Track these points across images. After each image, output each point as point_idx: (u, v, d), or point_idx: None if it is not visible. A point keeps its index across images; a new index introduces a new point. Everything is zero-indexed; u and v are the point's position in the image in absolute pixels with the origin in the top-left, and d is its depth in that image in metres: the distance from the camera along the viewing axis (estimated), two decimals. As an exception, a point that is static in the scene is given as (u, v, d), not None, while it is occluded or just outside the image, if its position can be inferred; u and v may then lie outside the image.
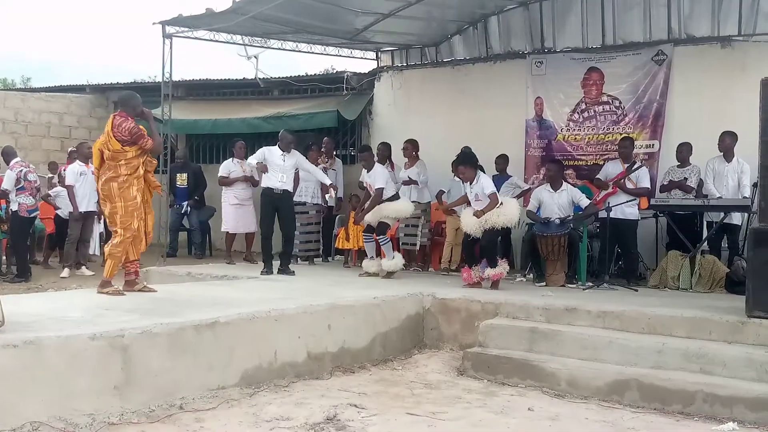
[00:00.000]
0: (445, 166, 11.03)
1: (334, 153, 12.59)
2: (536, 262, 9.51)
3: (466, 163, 8.96)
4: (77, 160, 11.94)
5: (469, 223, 8.83)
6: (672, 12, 11.02)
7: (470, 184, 8.93)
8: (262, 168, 9.58)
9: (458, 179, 10.64)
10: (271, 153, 9.66)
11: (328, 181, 9.87)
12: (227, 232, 11.62)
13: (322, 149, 11.84)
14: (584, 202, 9.47)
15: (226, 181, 11.61)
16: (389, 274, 9.54)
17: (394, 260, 9.64)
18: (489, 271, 8.63)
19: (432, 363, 7.12)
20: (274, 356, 6.22)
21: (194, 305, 6.54)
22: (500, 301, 7.60)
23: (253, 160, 9.75)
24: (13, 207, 11.22)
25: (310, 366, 6.50)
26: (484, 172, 9.06)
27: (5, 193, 11.20)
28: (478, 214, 8.68)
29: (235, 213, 11.48)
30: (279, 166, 9.56)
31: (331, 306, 6.97)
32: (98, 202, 11.74)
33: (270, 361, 6.18)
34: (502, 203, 8.78)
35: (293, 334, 6.44)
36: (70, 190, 11.67)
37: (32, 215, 11.37)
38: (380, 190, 9.63)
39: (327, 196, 10.76)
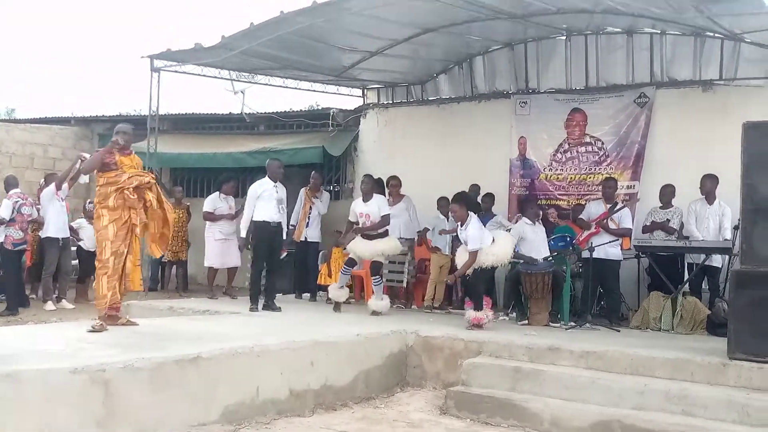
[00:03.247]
0: (429, 204, 11.11)
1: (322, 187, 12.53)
2: (519, 301, 9.52)
3: (458, 201, 8.84)
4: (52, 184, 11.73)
5: (461, 261, 8.78)
6: (654, 55, 11.19)
7: (461, 225, 8.76)
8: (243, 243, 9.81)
9: (442, 217, 10.71)
10: (262, 186, 9.61)
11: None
12: (210, 267, 11.55)
13: (310, 182, 11.81)
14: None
15: (212, 217, 11.52)
16: (375, 313, 9.52)
17: (384, 302, 9.64)
18: (470, 313, 8.51)
19: (415, 401, 7.09)
20: (257, 392, 6.17)
21: (177, 340, 6.50)
22: (483, 339, 7.60)
23: (248, 210, 9.58)
24: (0, 239, 11.14)
25: (292, 403, 6.45)
26: (476, 214, 8.94)
27: (2, 221, 11.09)
28: (458, 275, 8.82)
29: (219, 248, 11.40)
30: (273, 197, 9.52)
31: (314, 342, 6.94)
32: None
33: (252, 397, 6.13)
34: (493, 241, 8.70)
35: (276, 371, 6.40)
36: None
37: (17, 248, 11.23)
38: (388, 216, 9.64)
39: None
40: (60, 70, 52.98)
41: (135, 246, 7.26)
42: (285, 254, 10.46)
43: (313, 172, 12.08)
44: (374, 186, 10.13)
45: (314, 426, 6.07)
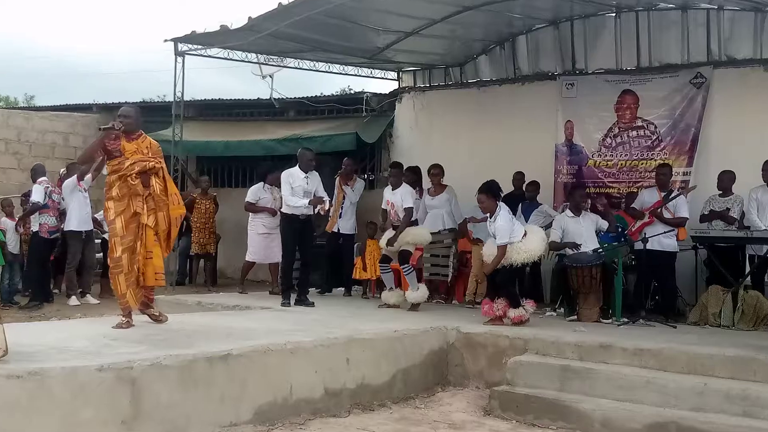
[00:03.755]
0: (468, 193, 11.02)
1: (356, 175, 12.29)
2: (567, 295, 9.44)
3: (485, 191, 8.69)
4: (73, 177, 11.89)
5: (489, 255, 8.66)
6: (711, 32, 11.03)
7: (490, 216, 8.65)
8: (317, 201, 9.55)
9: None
10: (292, 176, 9.64)
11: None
12: (247, 261, 11.48)
13: (342, 168, 11.65)
14: (604, 225, 9.46)
15: (253, 208, 11.28)
16: (414, 307, 9.52)
17: (419, 292, 9.62)
18: (511, 312, 8.38)
19: (456, 401, 7.08)
20: (290, 391, 6.20)
21: (206, 336, 6.56)
22: (529, 336, 7.56)
23: (293, 198, 9.53)
24: (34, 227, 11.35)
25: (327, 402, 6.47)
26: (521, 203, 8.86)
27: (37, 206, 11.29)
28: (486, 270, 8.66)
29: (262, 242, 11.17)
30: (304, 189, 9.55)
31: (350, 339, 6.96)
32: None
33: (285, 396, 6.16)
34: (525, 235, 8.53)
35: (309, 369, 6.42)
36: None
37: (53, 236, 11.48)
38: (410, 210, 9.64)
39: (317, 208, 9.80)
40: (81, 55, 53.70)
41: (148, 237, 6.92)
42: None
43: (345, 159, 11.89)
44: (404, 175, 10.11)
45: (351, 426, 6.08)
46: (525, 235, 8.56)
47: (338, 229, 11.30)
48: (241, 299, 10.14)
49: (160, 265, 7.04)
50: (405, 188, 9.86)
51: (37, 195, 11.33)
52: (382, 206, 10.05)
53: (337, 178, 11.51)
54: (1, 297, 11.41)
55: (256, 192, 11.38)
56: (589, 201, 10.54)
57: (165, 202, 7.02)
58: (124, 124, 6.99)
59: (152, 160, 7.02)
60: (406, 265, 9.65)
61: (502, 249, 8.39)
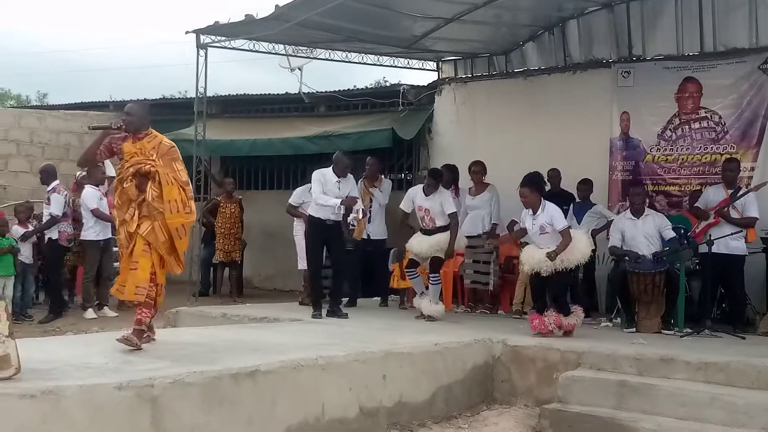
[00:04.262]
0: (514, 193, 10.97)
1: (382, 175, 12.20)
2: (625, 304, 9.39)
3: (528, 185, 8.75)
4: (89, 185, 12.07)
5: (533, 259, 8.58)
6: (783, 13, 10.92)
7: (533, 212, 8.70)
8: (351, 201, 9.57)
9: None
10: (325, 177, 9.69)
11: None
12: (302, 269, 11.15)
13: (365, 169, 11.54)
14: (668, 233, 9.35)
15: (295, 212, 11.16)
16: (430, 318, 9.60)
17: (438, 307, 9.68)
18: (563, 320, 8.44)
19: (503, 421, 7.07)
20: (322, 411, 6.23)
21: (231, 351, 6.60)
22: (583, 349, 7.53)
23: (324, 196, 9.51)
24: (52, 235, 11.60)
25: (363, 423, 6.50)
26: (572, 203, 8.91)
27: (55, 219, 11.50)
28: (551, 256, 8.37)
29: None
30: (335, 194, 9.59)
31: (387, 353, 6.98)
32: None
33: (317, 416, 6.19)
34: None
35: (343, 386, 6.45)
36: (96, 212, 11.76)
37: (70, 245, 11.73)
38: (455, 215, 9.69)
39: (351, 216, 9.80)
40: (96, 50, 54.39)
41: (137, 246, 6.64)
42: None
43: (368, 158, 11.72)
44: (440, 180, 10.04)
45: (388, 449, 6.11)
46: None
47: (368, 236, 11.18)
48: (270, 311, 10.17)
49: (144, 278, 6.59)
50: (443, 193, 9.82)
51: (56, 207, 11.47)
52: (403, 207, 9.94)
53: (362, 181, 11.29)
54: (12, 310, 11.60)
55: (300, 194, 11.12)
56: (647, 201, 10.46)
57: (159, 210, 6.65)
58: (126, 123, 6.83)
59: (148, 162, 6.70)
60: (435, 275, 9.71)
61: (567, 233, 8.48)
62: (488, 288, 10.80)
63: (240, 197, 14.23)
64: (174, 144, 6.96)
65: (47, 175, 11.92)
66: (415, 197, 9.91)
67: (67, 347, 6.80)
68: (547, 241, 8.57)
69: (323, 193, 9.55)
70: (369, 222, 11.20)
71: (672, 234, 9.37)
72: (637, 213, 9.54)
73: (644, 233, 9.37)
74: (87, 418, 4.92)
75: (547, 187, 10.84)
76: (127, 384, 5.16)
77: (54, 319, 11.25)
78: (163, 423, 5.25)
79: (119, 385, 5.12)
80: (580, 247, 8.58)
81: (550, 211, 8.60)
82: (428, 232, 9.74)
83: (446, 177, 10.56)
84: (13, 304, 11.67)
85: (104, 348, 6.61)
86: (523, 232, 8.98)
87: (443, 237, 9.66)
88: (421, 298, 9.88)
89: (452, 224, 9.68)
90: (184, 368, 5.64)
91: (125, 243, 6.75)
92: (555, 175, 11.24)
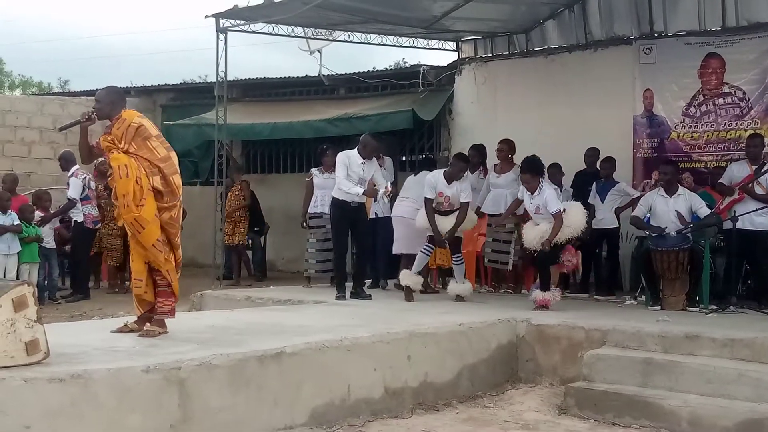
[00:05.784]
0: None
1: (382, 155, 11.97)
2: (650, 282, 9.37)
3: (528, 171, 9.11)
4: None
5: (527, 237, 9.09)
6: (807, -15, 10.80)
7: (531, 193, 9.08)
8: (372, 192, 9.57)
9: (555, 187, 10.54)
10: (350, 159, 9.65)
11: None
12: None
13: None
14: (703, 211, 9.32)
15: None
16: (458, 298, 9.63)
17: (465, 286, 9.73)
18: (536, 293, 8.85)
19: (528, 399, 7.08)
20: (347, 391, 6.28)
21: (256, 334, 6.65)
22: (608, 327, 7.52)
23: (348, 183, 9.44)
24: (78, 218, 11.79)
25: (388, 403, 6.54)
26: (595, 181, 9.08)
27: (73, 202, 11.68)
28: (545, 245, 8.81)
29: (404, 231, 10.99)
30: (359, 176, 9.59)
31: (411, 334, 7.01)
32: None
33: (342, 397, 6.24)
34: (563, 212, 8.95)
35: (368, 367, 6.49)
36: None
37: (97, 227, 11.87)
38: (467, 206, 9.70)
39: (380, 192, 9.64)
40: (117, 35, 54.56)
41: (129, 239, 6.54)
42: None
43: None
44: (467, 165, 10.05)
45: (414, 428, 6.13)
46: (564, 211, 8.95)
47: (375, 214, 10.99)
48: (294, 293, 10.22)
49: (137, 269, 6.43)
50: (464, 182, 9.76)
51: (74, 191, 11.65)
52: (427, 195, 9.73)
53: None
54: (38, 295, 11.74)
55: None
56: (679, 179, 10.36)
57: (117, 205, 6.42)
58: (96, 110, 6.43)
59: (116, 146, 6.28)
60: (458, 255, 9.75)
61: (559, 216, 8.83)
62: (507, 268, 10.75)
63: (243, 180, 14.20)
64: (142, 123, 6.38)
65: (66, 161, 12.13)
66: (436, 184, 9.84)
67: (94, 331, 6.85)
68: (543, 219, 9.02)
69: (347, 175, 9.55)
70: (375, 201, 11.09)
71: (707, 211, 9.35)
72: (669, 191, 9.51)
73: (674, 212, 9.34)
74: (115, 400, 4.98)
75: (583, 167, 10.93)
76: (155, 367, 5.21)
77: (82, 299, 11.41)
78: (190, 405, 5.31)
79: (146, 368, 5.18)
80: (572, 223, 8.95)
81: (546, 195, 8.96)
82: (445, 213, 9.74)
83: (475, 158, 10.58)
84: (38, 289, 11.84)
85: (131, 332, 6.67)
86: (517, 203, 9.59)
87: (451, 218, 9.69)
88: (409, 276, 9.73)
89: (461, 210, 9.67)
90: (210, 351, 5.69)
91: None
92: (592, 154, 11.21)
